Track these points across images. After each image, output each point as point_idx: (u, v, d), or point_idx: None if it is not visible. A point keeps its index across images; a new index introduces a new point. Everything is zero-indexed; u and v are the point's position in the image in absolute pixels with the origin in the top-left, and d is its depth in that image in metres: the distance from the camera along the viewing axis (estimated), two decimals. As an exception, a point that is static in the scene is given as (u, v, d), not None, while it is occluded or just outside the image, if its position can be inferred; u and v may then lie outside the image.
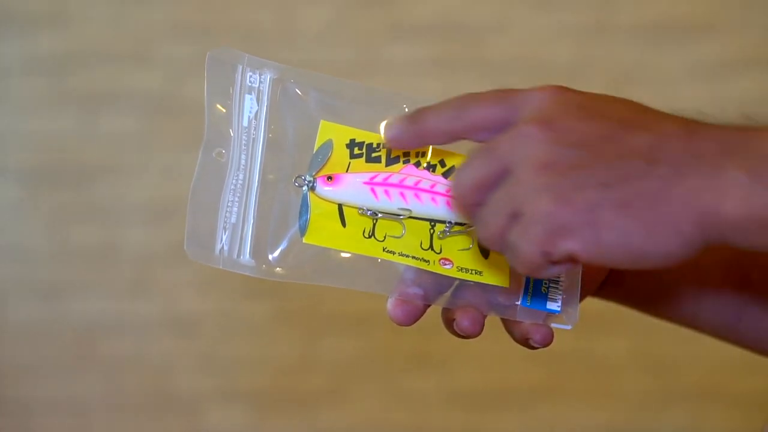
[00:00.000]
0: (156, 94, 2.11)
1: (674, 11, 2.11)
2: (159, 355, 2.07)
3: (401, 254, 0.75)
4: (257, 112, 0.75)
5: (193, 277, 2.06)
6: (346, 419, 2.06)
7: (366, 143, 0.76)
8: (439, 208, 0.75)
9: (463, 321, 0.74)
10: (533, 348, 0.77)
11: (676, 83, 2.09)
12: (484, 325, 0.75)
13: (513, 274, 0.77)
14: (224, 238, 0.74)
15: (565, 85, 0.68)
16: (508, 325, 0.77)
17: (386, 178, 0.75)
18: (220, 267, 0.73)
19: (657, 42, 2.10)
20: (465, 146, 0.78)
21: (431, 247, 0.75)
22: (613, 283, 0.85)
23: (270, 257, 0.75)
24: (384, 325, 1.99)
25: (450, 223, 0.76)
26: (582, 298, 0.81)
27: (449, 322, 0.75)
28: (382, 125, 0.73)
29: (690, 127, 0.64)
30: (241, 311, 2.07)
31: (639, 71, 2.10)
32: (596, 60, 2.11)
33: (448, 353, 2.04)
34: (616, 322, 2.03)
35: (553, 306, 0.76)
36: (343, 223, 0.75)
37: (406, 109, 0.77)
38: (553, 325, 0.77)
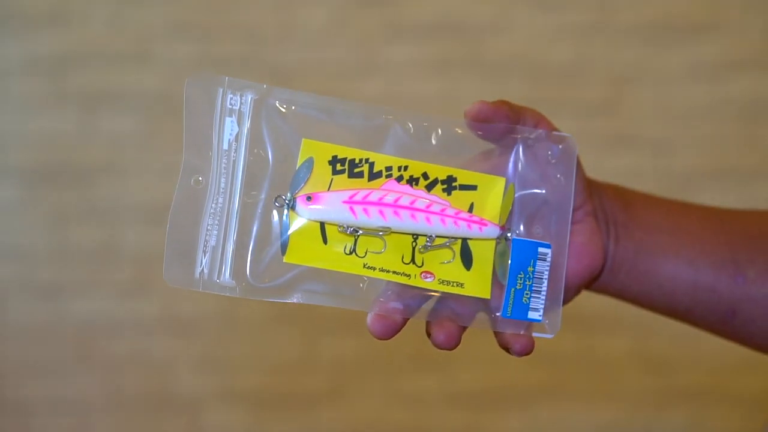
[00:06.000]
0: (156, 94, 2.11)
1: (674, 11, 2.10)
2: (159, 355, 2.07)
3: (381, 270, 0.75)
4: (237, 134, 0.75)
5: (193, 277, 2.06)
6: (346, 419, 2.06)
7: (348, 159, 0.76)
8: (419, 224, 0.75)
9: (438, 336, 0.75)
10: (514, 355, 0.77)
11: (676, 83, 2.09)
12: (460, 339, 0.75)
13: (495, 286, 0.77)
14: (204, 261, 0.74)
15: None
16: (493, 331, 0.78)
17: (366, 196, 0.75)
18: (200, 290, 0.74)
19: (657, 42, 2.10)
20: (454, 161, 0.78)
21: (413, 260, 0.75)
22: (608, 278, 0.86)
23: (250, 277, 0.75)
24: (383, 326, 1.99)
25: (431, 236, 0.76)
26: (569, 299, 0.81)
27: (430, 334, 0.76)
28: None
29: None
30: (241, 311, 2.07)
31: (639, 71, 2.09)
32: (596, 60, 2.10)
33: (448, 353, 2.04)
34: (617, 322, 2.03)
35: (534, 315, 0.77)
36: (325, 241, 0.75)
37: (388, 123, 0.77)
38: (534, 334, 0.77)
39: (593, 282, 0.85)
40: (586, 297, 0.91)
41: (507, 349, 0.77)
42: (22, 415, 2.06)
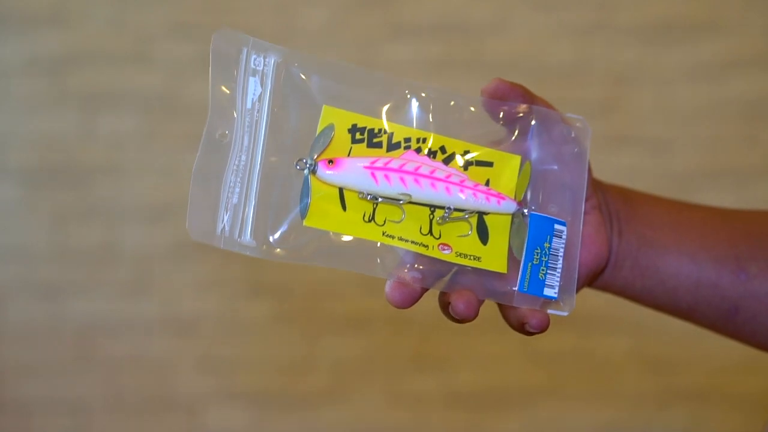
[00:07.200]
0: (156, 94, 2.11)
1: (674, 11, 2.11)
2: (159, 355, 2.07)
3: (401, 239, 0.75)
4: (261, 94, 0.75)
5: (193, 277, 2.06)
6: (346, 419, 2.05)
7: (368, 128, 0.76)
8: (439, 194, 0.75)
9: (458, 304, 0.74)
10: (529, 333, 0.77)
11: (676, 83, 2.09)
12: (479, 310, 0.75)
13: (511, 260, 0.77)
14: (226, 218, 0.74)
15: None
16: (505, 310, 0.78)
17: (387, 163, 0.75)
18: (221, 246, 0.73)
19: (657, 42, 2.10)
20: (465, 133, 0.79)
21: (430, 232, 0.76)
22: (611, 274, 0.86)
23: (270, 238, 0.75)
24: (384, 325, 1.99)
25: (449, 208, 0.76)
26: (579, 287, 0.81)
27: (445, 305, 0.76)
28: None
29: None
30: (241, 311, 2.07)
31: (639, 71, 2.10)
32: (596, 60, 2.11)
33: (448, 353, 2.04)
34: (616, 322, 2.03)
35: (550, 292, 0.77)
36: (344, 207, 0.75)
37: (408, 95, 0.77)
38: (549, 311, 0.77)
39: (598, 276, 0.86)
40: (586, 297, 0.91)
41: (522, 326, 0.77)
42: (22, 415, 2.05)
